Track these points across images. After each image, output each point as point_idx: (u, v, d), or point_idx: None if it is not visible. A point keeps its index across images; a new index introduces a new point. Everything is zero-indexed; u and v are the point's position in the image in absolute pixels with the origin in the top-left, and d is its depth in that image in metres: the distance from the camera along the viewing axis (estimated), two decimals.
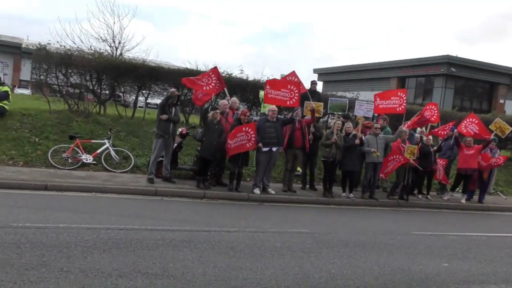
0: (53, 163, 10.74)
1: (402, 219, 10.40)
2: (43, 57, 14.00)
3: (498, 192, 14.94)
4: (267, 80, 11.75)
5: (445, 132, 12.95)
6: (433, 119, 12.72)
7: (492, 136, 12.67)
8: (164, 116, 10.42)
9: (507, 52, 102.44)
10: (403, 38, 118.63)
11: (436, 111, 12.79)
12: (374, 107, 12.33)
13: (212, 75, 10.97)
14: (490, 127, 12.80)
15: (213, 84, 10.95)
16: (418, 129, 12.78)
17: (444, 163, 12.92)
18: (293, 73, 12.15)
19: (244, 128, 10.19)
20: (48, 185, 9.04)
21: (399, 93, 12.49)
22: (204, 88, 11.03)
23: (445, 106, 30.00)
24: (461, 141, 12.86)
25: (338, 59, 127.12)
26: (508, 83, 34.75)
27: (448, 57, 33.11)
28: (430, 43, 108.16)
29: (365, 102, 12.78)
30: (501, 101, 34.54)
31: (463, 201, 12.95)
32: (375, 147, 11.41)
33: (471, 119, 12.99)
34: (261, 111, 13.16)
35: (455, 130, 12.70)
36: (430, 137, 12.49)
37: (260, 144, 10.42)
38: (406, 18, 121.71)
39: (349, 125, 11.54)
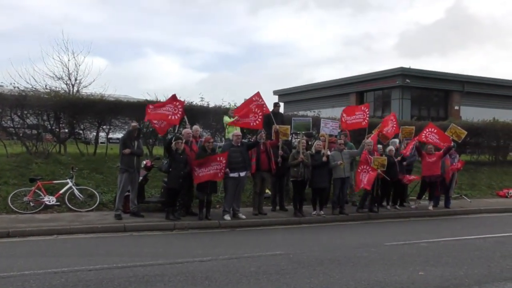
0: (14, 208, 10.37)
1: (374, 231, 10.49)
2: None
3: (463, 196, 15.31)
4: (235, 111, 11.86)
5: (408, 152, 12.99)
6: (393, 129, 13.03)
7: (452, 143, 13.06)
8: (127, 151, 10.28)
9: (454, 60, 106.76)
10: (355, 53, 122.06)
11: (395, 122, 13.18)
12: (341, 123, 12.54)
13: (179, 106, 11.03)
14: (446, 133, 13.14)
15: (179, 115, 11.00)
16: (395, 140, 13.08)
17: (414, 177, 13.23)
18: (257, 94, 12.22)
19: (218, 158, 10.20)
20: (10, 232, 8.71)
21: (363, 108, 12.87)
22: (170, 117, 11.00)
23: (404, 116, 30.70)
24: (422, 150, 13.18)
25: (298, 78, 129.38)
26: (461, 89, 36.01)
27: (401, 69, 34.09)
28: (380, 58, 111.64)
29: (330, 120, 12.94)
30: (456, 107, 35.65)
31: (430, 207, 13.21)
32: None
33: (430, 129, 13.25)
34: (226, 137, 13.15)
35: (415, 140, 13.00)
36: (393, 147, 12.71)
37: (227, 170, 10.38)
38: (351, 33, 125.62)
39: (319, 143, 11.65)
